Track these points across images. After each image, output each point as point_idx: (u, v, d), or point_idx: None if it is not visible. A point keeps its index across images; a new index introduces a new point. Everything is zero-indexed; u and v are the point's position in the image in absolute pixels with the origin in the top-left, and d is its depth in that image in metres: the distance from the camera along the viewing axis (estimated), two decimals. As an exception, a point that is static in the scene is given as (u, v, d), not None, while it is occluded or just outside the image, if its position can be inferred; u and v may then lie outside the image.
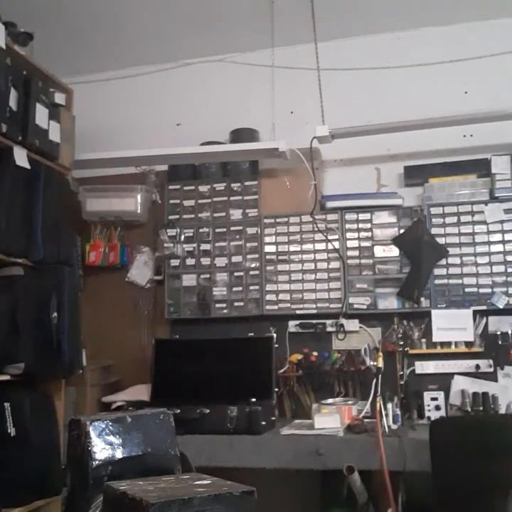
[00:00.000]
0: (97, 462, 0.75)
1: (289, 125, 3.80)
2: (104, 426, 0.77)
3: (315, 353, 3.55)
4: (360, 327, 3.57)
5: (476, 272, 3.42)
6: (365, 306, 3.54)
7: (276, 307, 3.66)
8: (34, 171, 2.88)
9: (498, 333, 3.34)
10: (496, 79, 3.67)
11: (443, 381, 3.38)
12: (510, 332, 3.32)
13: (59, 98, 3.14)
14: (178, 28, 3.84)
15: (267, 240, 3.74)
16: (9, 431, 2.66)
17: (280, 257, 3.70)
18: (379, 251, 3.58)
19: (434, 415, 3.27)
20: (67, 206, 3.19)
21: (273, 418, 3.26)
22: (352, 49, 3.93)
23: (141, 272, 4.01)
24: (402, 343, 3.44)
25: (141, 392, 3.54)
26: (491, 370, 3.34)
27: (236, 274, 3.75)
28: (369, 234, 3.60)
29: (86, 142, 3.63)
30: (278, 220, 3.73)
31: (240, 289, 3.73)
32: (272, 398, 3.31)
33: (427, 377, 3.43)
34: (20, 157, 2.80)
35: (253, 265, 3.73)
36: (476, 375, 3.34)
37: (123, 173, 4.01)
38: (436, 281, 3.45)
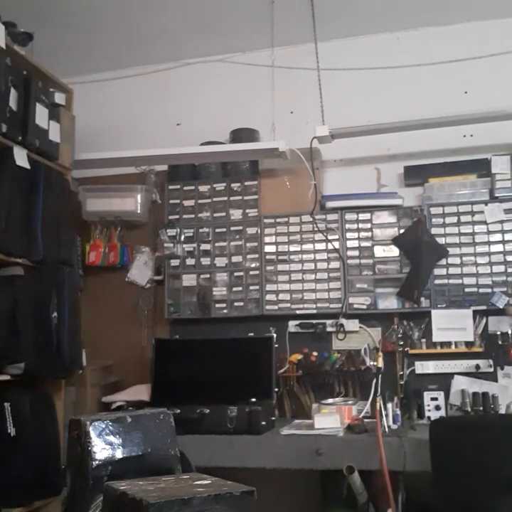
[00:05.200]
0: (97, 462, 0.75)
1: (289, 125, 3.80)
2: (104, 426, 0.77)
3: (315, 353, 3.55)
4: (360, 327, 3.57)
5: (476, 272, 3.42)
6: (365, 306, 3.54)
7: (276, 307, 3.66)
8: (34, 171, 2.89)
9: (498, 333, 3.34)
10: (496, 79, 3.67)
11: (443, 381, 3.38)
12: (510, 332, 3.32)
13: (59, 98, 3.15)
14: (178, 28, 3.84)
15: (267, 240, 3.74)
16: (9, 431, 2.66)
17: (280, 257, 3.70)
18: (379, 251, 3.58)
19: (434, 415, 3.27)
20: (67, 206, 3.19)
21: (273, 418, 3.26)
22: (352, 49, 3.93)
23: (141, 271, 4.01)
24: (402, 343, 3.44)
25: (141, 392, 3.54)
26: (491, 370, 3.35)
27: (236, 274, 3.75)
28: (369, 234, 3.60)
29: (86, 142, 3.63)
30: (278, 220, 3.73)
31: (240, 289, 3.73)
32: (271, 398, 3.31)
33: (427, 377, 3.43)
34: (20, 157, 2.80)
35: (253, 265, 3.73)
36: (476, 375, 3.34)
37: (123, 173, 4.01)
38: (436, 281, 3.45)
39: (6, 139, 2.75)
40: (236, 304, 3.72)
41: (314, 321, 3.60)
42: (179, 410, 3.01)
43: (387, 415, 3.06)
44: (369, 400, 3.25)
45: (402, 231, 3.55)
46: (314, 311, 3.61)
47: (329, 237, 3.62)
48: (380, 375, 3.22)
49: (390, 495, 2.76)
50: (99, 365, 3.67)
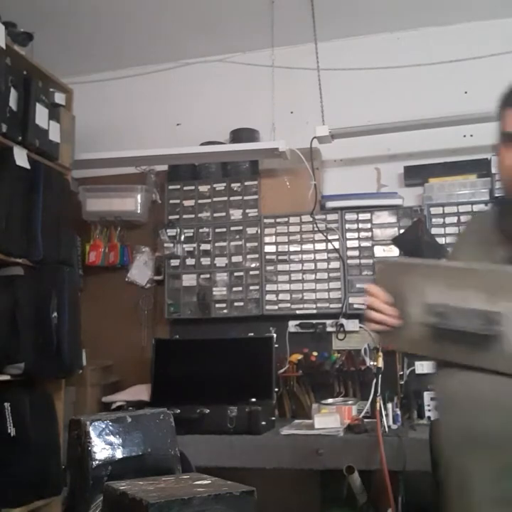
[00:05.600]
0: (97, 462, 0.75)
1: (289, 125, 3.80)
2: (104, 426, 0.78)
3: (315, 353, 3.55)
4: (360, 327, 3.57)
5: (476, 272, 3.42)
6: (365, 306, 3.53)
7: (276, 307, 3.66)
8: (34, 171, 2.89)
9: (498, 333, 3.34)
10: (496, 79, 3.64)
11: (443, 381, 3.38)
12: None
13: (59, 98, 3.15)
14: (178, 28, 3.84)
15: (267, 239, 3.74)
16: (9, 431, 2.66)
17: (280, 257, 3.70)
18: (379, 251, 3.58)
19: (434, 415, 3.27)
20: (67, 206, 3.19)
21: (273, 418, 3.26)
22: (352, 49, 3.93)
23: (141, 272, 4.01)
24: (402, 343, 3.44)
25: (141, 392, 3.54)
26: (491, 370, 3.34)
27: (236, 274, 3.75)
28: (369, 234, 3.60)
29: (86, 142, 3.63)
30: (278, 220, 3.73)
31: (240, 289, 3.73)
32: (271, 398, 3.31)
33: (427, 377, 3.43)
34: (20, 157, 2.80)
35: (253, 265, 3.73)
36: (476, 375, 3.34)
37: (123, 173, 4.02)
38: (436, 281, 3.45)
39: (6, 139, 2.75)
40: (236, 303, 3.72)
41: (314, 321, 3.60)
42: (179, 410, 3.01)
43: (387, 415, 3.06)
44: (369, 400, 3.25)
45: (402, 231, 3.55)
46: (314, 311, 3.61)
47: (329, 237, 3.62)
48: (380, 375, 3.22)
49: (390, 495, 2.76)
50: (99, 365, 3.68)
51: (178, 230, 3.84)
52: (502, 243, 1.47)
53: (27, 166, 2.84)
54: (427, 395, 3.36)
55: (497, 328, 1.32)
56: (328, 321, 3.59)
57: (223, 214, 3.84)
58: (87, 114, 3.62)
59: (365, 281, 3.56)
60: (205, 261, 3.81)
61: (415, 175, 3.66)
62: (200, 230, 3.85)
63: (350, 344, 3.57)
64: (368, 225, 3.61)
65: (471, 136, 3.67)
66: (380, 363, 3.23)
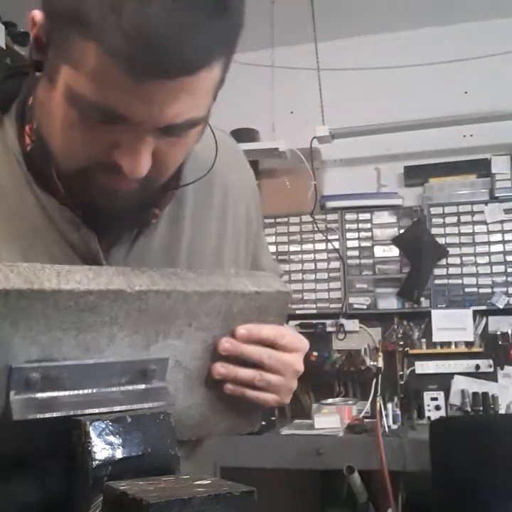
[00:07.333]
0: (97, 462, 0.75)
1: (289, 125, 3.80)
2: (104, 426, 0.77)
3: (315, 353, 3.55)
4: (360, 327, 3.57)
5: (476, 272, 3.42)
6: (365, 306, 3.54)
7: (276, 307, 3.65)
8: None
9: (498, 333, 3.35)
10: (496, 79, 3.67)
11: (443, 381, 3.39)
12: (510, 332, 3.33)
13: (59, 98, 3.15)
14: (178, 28, 3.83)
15: (267, 240, 3.72)
16: (9, 431, 2.66)
17: (280, 257, 3.70)
18: (379, 251, 3.58)
19: (434, 415, 3.28)
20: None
21: (273, 418, 3.25)
22: (352, 49, 3.93)
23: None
24: (402, 343, 3.45)
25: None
26: (491, 370, 3.35)
27: (236, 274, 3.75)
28: (369, 234, 3.60)
29: (86, 142, 3.63)
30: (278, 220, 3.73)
31: (240, 289, 3.73)
32: (271, 398, 3.30)
33: (427, 377, 3.44)
34: (20, 157, 2.80)
35: (253, 265, 3.73)
36: (476, 375, 3.35)
37: (123, 173, 4.01)
38: (436, 281, 3.45)
39: (6, 139, 2.75)
40: (236, 303, 3.72)
41: (314, 321, 3.60)
42: (179, 410, 3.01)
43: (387, 415, 3.06)
44: (369, 400, 3.25)
45: (402, 231, 3.55)
46: (314, 311, 3.61)
47: (329, 237, 3.63)
48: (380, 375, 3.22)
49: (390, 495, 2.77)
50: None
51: (178, 230, 3.84)
52: (66, 219, 0.82)
53: (27, 166, 2.84)
54: (426, 395, 3.37)
55: (158, 386, 0.78)
56: (328, 321, 3.59)
57: (223, 214, 3.83)
58: (87, 114, 3.62)
59: (365, 282, 3.57)
60: (205, 261, 3.81)
61: (415, 175, 3.67)
62: (200, 230, 3.85)
63: (350, 344, 3.57)
64: (368, 225, 3.61)
65: (471, 136, 3.67)
66: (380, 363, 3.24)
